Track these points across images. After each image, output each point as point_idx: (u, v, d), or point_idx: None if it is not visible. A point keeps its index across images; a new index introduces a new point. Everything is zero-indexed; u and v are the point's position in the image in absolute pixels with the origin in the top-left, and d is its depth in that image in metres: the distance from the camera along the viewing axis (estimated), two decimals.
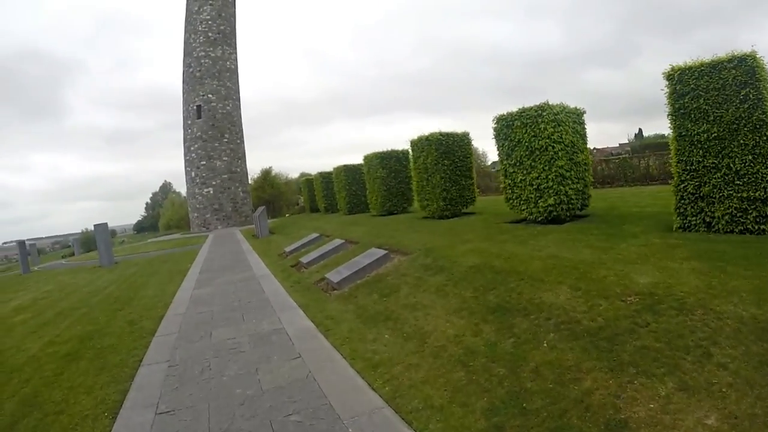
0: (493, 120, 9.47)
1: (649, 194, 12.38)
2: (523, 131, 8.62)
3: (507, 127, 9.08)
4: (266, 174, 48.25)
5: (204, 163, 32.12)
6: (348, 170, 20.60)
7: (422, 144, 13.02)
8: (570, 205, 8.54)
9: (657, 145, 31.45)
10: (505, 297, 5.48)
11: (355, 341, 5.56)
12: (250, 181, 37.24)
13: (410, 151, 13.94)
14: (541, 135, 8.27)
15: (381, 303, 6.82)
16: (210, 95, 32.53)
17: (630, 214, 8.69)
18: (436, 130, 12.80)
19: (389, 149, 16.88)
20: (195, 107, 32.42)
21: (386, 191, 16.66)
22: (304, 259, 11.27)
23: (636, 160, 20.02)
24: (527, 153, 8.63)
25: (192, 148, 32.56)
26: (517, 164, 8.97)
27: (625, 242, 6.44)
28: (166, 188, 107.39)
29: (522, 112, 8.67)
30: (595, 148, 77.82)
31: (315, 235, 14.55)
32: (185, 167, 33.51)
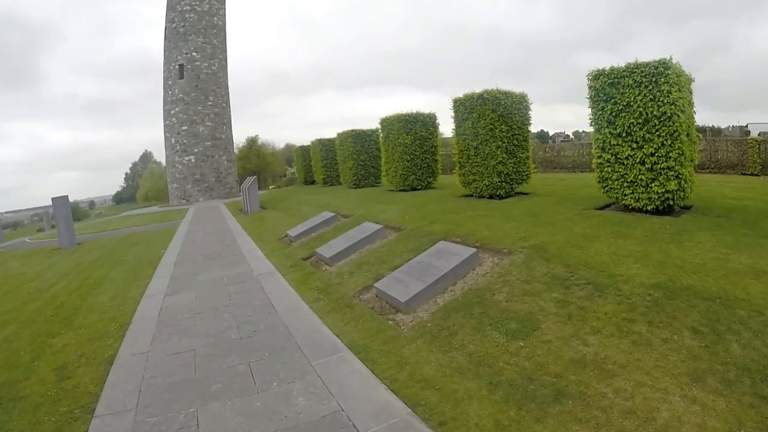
0: (589, 76, 7.17)
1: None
2: (636, 92, 6.42)
3: (611, 86, 6.77)
4: (252, 143, 43.74)
5: (185, 128, 27.78)
6: (357, 136, 17.08)
7: (471, 103, 9.84)
8: (685, 192, 6.56)
9: None
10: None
11: None
12: (235, 150, 33.09)
13: (452, 112, 10.57)
14: (663, 99, 6.17)
15: (518, 352, 3.63)
16: (194, 53, 28.05)
17: (732, 208, 6.89)
18: (493, 87, 9.59)
19: (415, 111, 13.51)
20: (177, 66, 27.93)
21: (410, 162, 13.40)
22: (324, 251, 7.85)
23: None
24: (641, 122, 6.42)
25: (173, 112, 28.15)
26: (625, 135, 6.66)
27: None
28: (146, 158, 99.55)
29: (636, 68, 6.48)
30: (584, 132, 76.95)
31: (328, 214, 11.09)
32: (165, 133, 29.06)
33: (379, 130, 14.69)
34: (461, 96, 10.25)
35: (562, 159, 20.08)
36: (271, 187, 38.65)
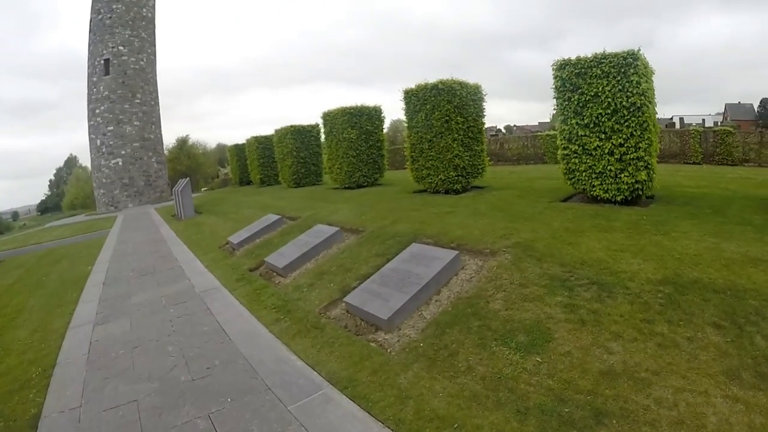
0: (554, 66, 6.94)
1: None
2: (605, 83, 6.27)
3: (578, 77, 6.57)
4: (182, 143, 40.70)
5: (111, 128, 25.01)
6: (297, 132, 16.06)
7: (425, 94, 9.31)
8: (652, 182, 6.52)
9: None
10: None
11: None
12: (165, 152, 30.54)
13: (404, 104, 9.97)
14: (633, 90, 6.06)
15: (537, 370, 3.11)
16: (121, 47, 25.34)
17: (693, 196, 6.94)
18: (448, 77, 9.16)
19: (360, 104, 12.76)
20: (103, 61, 25.08)
21: (355, 158, 12.68)
22: (276, 260, 6.92)
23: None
24: (609, 112, 6.27)
25: (98, 111, 25.23)
26: (593, 126, 6.48)
27: None
28: (71, 163, 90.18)
29: (603, 58, 6.34)
30: (515, 125, 79.70)
31: (273, 216, 10.10)
32: (89, 135, 25.98)
33: (321, 126, 13.81)
34: (413, 87, 9.66)
35: (506, 152, 20.18)
36: (203, 189, 36.32)
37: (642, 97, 6.00)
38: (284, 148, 16.42)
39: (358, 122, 12.54)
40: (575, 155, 6.77)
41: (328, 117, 13.18)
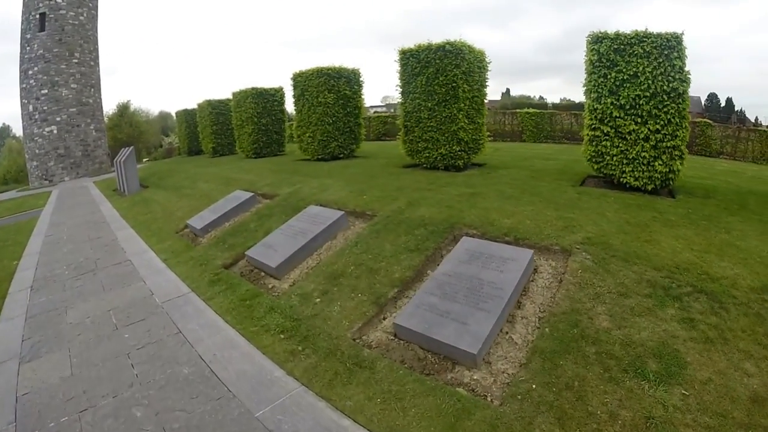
0: (589, 38, 6.18)
1: None
2: (645, 63, 5.66)
3: (616, 53, 5.89)
4: (123, 109, 36.07)
5: (46, 92, 21.41)
6: (258, 95, 14.07)
7: (428, 56, 8.00)
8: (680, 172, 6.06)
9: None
10: None
11: None
12: (104, 119, 26.90)
13: (398, 66, 8.54)
14: (675, 75, 5.54)
15: (686, 406, 2.45)
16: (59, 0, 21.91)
17: (708, 188, 6.59)
18: (443, 40, 7.90)
19: (338, 65, 11.09)
20: (38, 15, 21.19)
21: (331, 125, 11.09)
22: (263, 255, 5.31)
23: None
24: (648, 95, 5.67)
25: (30, 73, 21.55)
26: (629, 108, 5.84)
27: None
28: (4, 132, 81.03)
29: (645, 36, 5.69)
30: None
31: (243, 194, 8.31)
32: (21, 99, 22.23)
33: (290, 89, 11.99)
34: (412, 47, 8.28)
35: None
36: (145, 159, 32.88)
37: (684, 84, 5.53)
38: (243, 113, 14.38)
39: (336, 85, 10.89)
40: (606, 138, 6.10)
41: (299, 78, 11.36)
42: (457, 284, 3.47)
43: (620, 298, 3.21)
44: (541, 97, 76.51)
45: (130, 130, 35.46)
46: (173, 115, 33.38)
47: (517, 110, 20.98)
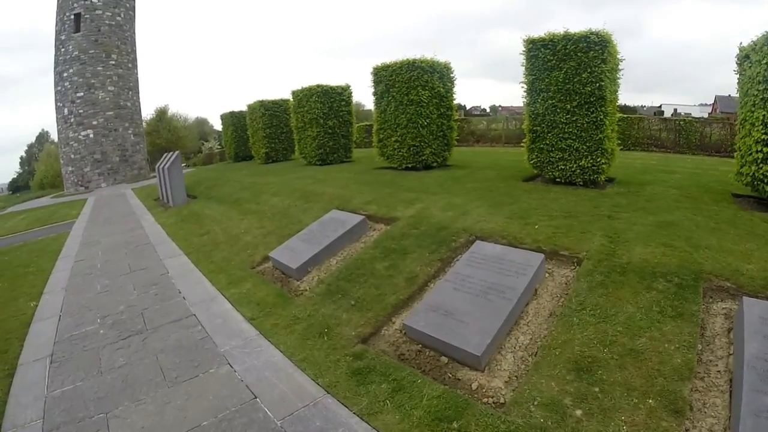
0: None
1: None
2: None
3: None
4: (162, 114, 35.29)
5: (81, 95, 20.17)
6: (323, 93, 12.01)
7: (565, 45, 6.23)
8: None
9: None
10: None
11: None
12: (143, 123, 25.60)
13: (523, 57, 6.37)
14: None
15: None
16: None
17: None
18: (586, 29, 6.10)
19: (429, 57, 8.93)
20: (73, 16, 20.16)
21: (425, 128, 8.88)
22: (436, 332, 3.07)
23: None
24: None
25: (65, 75, 20.33)
26: None
27: None
28: (43, 138, 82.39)
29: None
30: (500, 106, 77.24)
31: (346, 216, 6.03)
32: (56, 102, 21.05)
33: (372, 84, 9.83)
34: (543, 35, 6.47)
35: None
36: (183, 164, 31.51)
37: None
38: (306, 114, 12.30)
39: (429, 80, 8.74)
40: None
41: (383, 73, 9.19)
42: None
43: None
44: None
45: (168, 136, 34.37)
46: (209, 120, 32.11)
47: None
